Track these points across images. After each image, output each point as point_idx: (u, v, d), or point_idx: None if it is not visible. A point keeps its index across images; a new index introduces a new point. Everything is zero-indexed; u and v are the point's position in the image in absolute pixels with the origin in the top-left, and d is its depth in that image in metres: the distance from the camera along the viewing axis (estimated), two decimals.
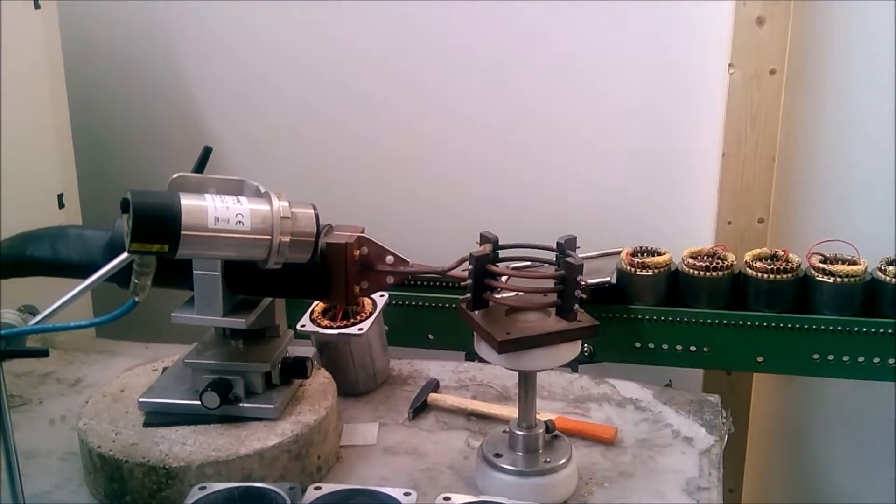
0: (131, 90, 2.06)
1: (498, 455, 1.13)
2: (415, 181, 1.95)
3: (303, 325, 1.36)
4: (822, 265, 1.48)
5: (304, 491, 1.00)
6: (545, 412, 1.27)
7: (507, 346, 1.04)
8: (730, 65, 1.69)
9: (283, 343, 1.22)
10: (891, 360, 1.46)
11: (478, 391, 1.42)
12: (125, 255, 0.96)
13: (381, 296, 1.42)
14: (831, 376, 1.52)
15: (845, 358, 1.48)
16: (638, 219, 1.83)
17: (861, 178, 1.72)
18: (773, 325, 1.50)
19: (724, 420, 1.33)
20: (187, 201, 0.93)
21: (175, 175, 1.07)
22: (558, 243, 1.08)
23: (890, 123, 1.67)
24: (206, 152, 1.16)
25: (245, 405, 1.15)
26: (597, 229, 1.73)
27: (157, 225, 0.91)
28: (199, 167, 1.14)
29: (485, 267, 1.07)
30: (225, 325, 1.18)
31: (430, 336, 1.67)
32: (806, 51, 1.68)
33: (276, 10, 1.91)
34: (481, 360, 1.14)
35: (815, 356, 1.50)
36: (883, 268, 1.48)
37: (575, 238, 1.08)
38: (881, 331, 1.45)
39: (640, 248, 1.60)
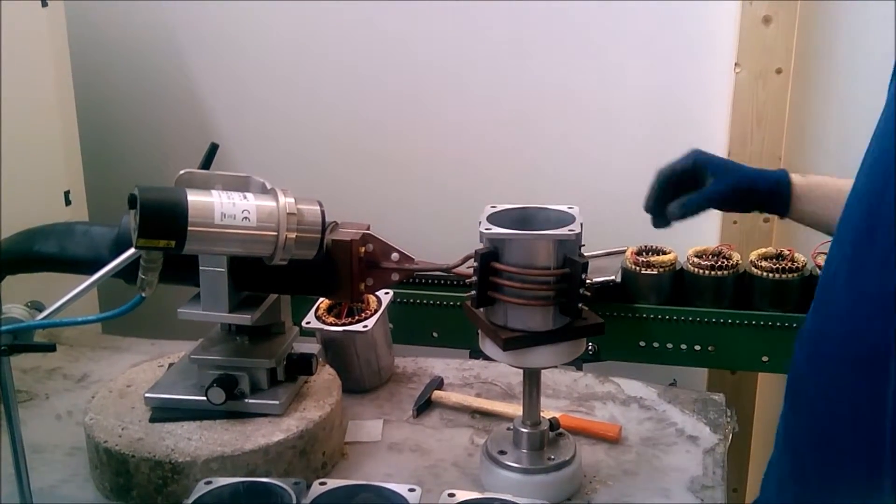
0: (138, 87, 2.06)
1: (502, 452, 1.13)
2: (420, 178, 1.95)
3: (308, 322, 1.36)
4: None
5: (309, 486, 1.00)
6: (549, 410, 1.27)
7: (511, 344, 1.04)
8: (736, 64, 1.69)
9: (289, 340, 1.22)
10: None
11: (482, 389, 1.42)
12: (132, 250, 0.97)
13: (386, 293, 1.42)
14: None
15: None
16: (643, 218, 1.82)
17: None
18: (779, 324, 1.50)
19: (729, 419, 1.32)
20: (194, 197, 0.94)
21: (182, 171, 1.07)
22: None
23: None
24: (213, 149, 1.16)
25: (250, 401, 1.16)
26: (602, 228, 1.72)
27: (164, 220, 0.91)
28: (206, 164, 1.15)
29: (490, 264, 1.07)
30: (230, 322, 1.18)
31: (435, 333, 1.68)
32: (812, 50, 1.68)
33: (282, 7, 1.92)
34: (486, 358, 1.14)
35: None
36: None
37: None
38: None
39: (645, 246, 1.60)
